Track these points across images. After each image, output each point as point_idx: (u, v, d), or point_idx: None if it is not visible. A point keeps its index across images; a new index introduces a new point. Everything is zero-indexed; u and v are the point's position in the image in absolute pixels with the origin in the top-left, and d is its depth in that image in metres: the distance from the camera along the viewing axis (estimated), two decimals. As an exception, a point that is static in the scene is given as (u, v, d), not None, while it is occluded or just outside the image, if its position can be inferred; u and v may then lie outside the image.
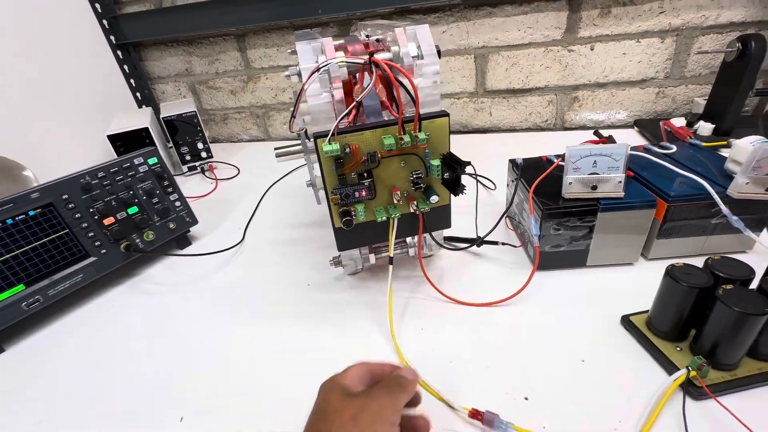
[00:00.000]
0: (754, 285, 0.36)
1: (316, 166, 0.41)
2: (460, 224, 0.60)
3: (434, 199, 0.43)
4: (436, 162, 0.41)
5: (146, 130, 0.86)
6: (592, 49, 0.88)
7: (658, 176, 0.51)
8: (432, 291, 0.50)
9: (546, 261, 0.52)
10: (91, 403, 0.44)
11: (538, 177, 0.52)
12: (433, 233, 0.50)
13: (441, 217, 0.48)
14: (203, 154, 0.98)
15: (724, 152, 0.54)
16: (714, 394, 0.34)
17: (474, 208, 0.58)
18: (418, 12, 0.92)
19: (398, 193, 0.43)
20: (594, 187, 0.47)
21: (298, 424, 0.28)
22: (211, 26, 1.03)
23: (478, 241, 0.56)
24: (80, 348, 0.51)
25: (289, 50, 0.46)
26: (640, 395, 0.36)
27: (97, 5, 1.03)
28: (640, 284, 0.46)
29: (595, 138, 0.59)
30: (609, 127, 0.96)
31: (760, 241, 0.47)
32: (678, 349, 0.38)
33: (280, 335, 0.49)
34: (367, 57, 0.37)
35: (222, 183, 0.93)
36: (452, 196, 0.42)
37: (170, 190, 0.65)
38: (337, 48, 0.48)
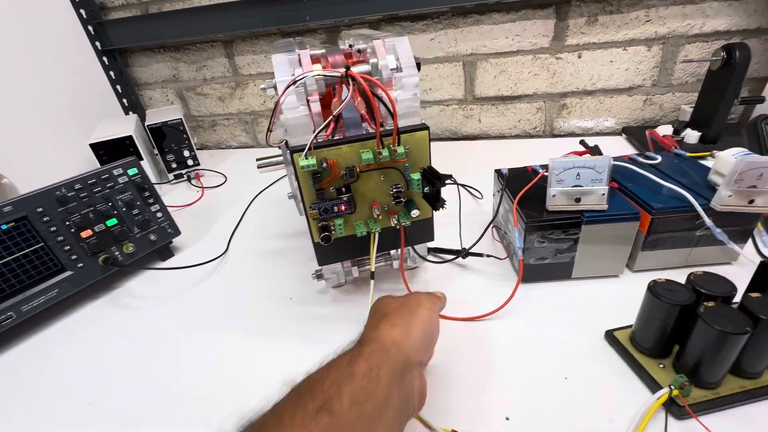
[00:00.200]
0: (738, 298, 0.36)
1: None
2: (447, 234, 0.60)
3: (415, 213, 0.42)
4: (416, 176, 0.41)
5: (130, 138, 0.84)
6: (579, 57, 0.88)
7: (643, 188, 0.50)
8: (415, 305, 0.49)
9: (531, 273, 0.51)
10: (66, 421, 0.42)
11: (523, 187, 0.51)
12: (417, 246, 0.50)
13: (423, 230, 0.48)
14: (190, 162, 0.97)
15: (709, 162, 0.54)
16: (696, 414, 0.33)
17: (464, 218, 0.58)
18: (406, 19, 0.92)
19: (378, 207, 0.42)
20: (578, 200, 0.47)
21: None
22: (198, 33, 1.02)
23: (463, 253, 0.55)
24: (54, 365, 0.50)
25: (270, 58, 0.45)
26: (622, 414, 0.35)
27: (82, 11, 1.02)
28: (625, 297, 0.45)
29: (582, 148, 0.58)
30: (597, 134, 0.96)
31: (743, 254, 0.47)
32: (661, 366, 0.38)
33: (258, 352, 0.48)
34: (343, 70, 0.37)
35: (208, 191, 0.92)
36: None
37: (151, 201, 0.63)
38: (317, 59, 0.47)
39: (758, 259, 0.51)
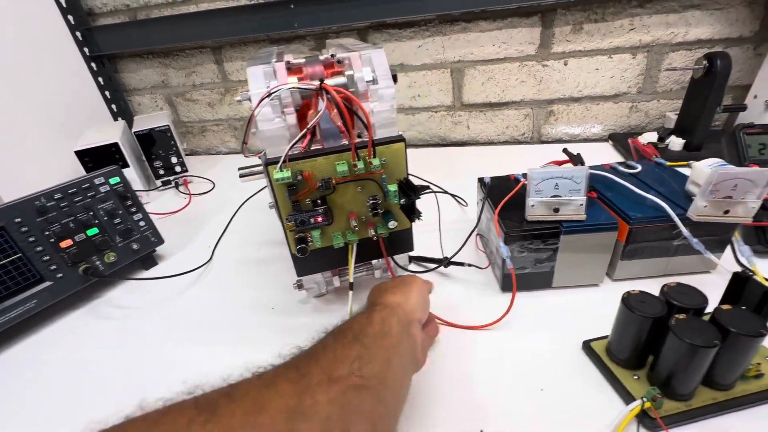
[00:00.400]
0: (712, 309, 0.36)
1: (275, 189, 0.40)
2: (432, 242, 0.60)
3: (392, 224, 0.42)
4: (393, 187, 0.41)
5: (116, 145, 0.84)
6: (565, 65, 0.89)
7: (622, 197, 0.51)
8: (396, 315, 0.49)
9: (511, 282, 0.51)
10: (36, 440, 0.42)
11: (505, 196, 0.51)
12: (397, 256, 0.50)
13: (403, 240, 0.48)
14: (177, 169, 0.96)
15: (688, 171, 0.54)
16: (668, 426, 0.33)
17: (445, 226, 0.58)
18: (394, 26, 0.92)
19: (356, 218, 0.42)
20: (556, 210, 0.47)
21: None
22: (186, 39, 1.02)
23: (445, 262, 0.55)
24: (32, 376, 0.49)
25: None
26: (597, 426, 0.35)
27: (70, 17, 1.01)
28: (604, 306, 0.45)
29: (564, 156, 0.59)
30: (585, 140, 0.97)
31: (721, 263, 0.47)
32: (635, 377, 0.38)
33: (235, 364, 0.47)
34: (318, 83, 0.37)
35: (196, 198, 0.92)
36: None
37: (134, 209, 0.63)
38: (300, 68, 0.47)
39: (736, 268, 0.52)
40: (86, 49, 1.05)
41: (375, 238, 0.43)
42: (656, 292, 0.38)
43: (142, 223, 0.64)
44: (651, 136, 0.84)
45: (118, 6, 1.03)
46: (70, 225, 0.56)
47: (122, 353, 0.51)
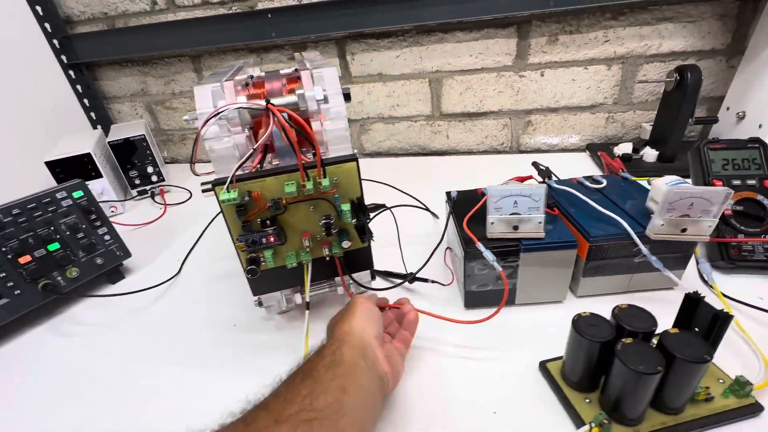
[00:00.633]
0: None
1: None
2: (406, 254, 0.59)
3: (346, 244, 0.42)
4: (346, 206, 0.40)
5: (88, 155, 0.83)
6: (542, 75, 0.89)
7: (583, 214, 0.50)
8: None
9: (474, 300, 0.51)
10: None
11: (471, 210, 0.51)
12: (358, 273, 0.49)
13: (361, 258, 0.47)
14: (154, 178, 0.95)
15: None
16: (614, 453, 0.33)
17: (419, 239, 0.57)
18: (372, 36, 0.92)
19: (308, 238, 0.41)
20: (516, 227, 0.47)
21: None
22: (165, 48, 1.01)
23: (409, 278, 0.55)
24: (-18, 399, 0.48)
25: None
26: (546, 452, 0.35)
27: (47, 25, 1.00)
28: (566, 324, 0.44)
29: (530, 171, 0.58)
30: (563, 150, 0.97)
31: (680, 282, 0.47)
32: (587, 400, 0.37)
33: (191, 384, 0.47)
34: (264, 102, 0.36)
35: (171, 208, 0.91)
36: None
37: (98, 223, 0.62)
38: (260, 83, 0.47)
39: (700, 284, 0.52)
40: (64, 57, 1.05)
41: (328, 258, 0.42)
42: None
43: (107, 237, 0.63)
44: (626, 147, 0.84)
45: (95, 14, 1.02)
46: (29, 241, 0.55)
47: (81, 372, 0.50)
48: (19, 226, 0.55)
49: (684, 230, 0.44)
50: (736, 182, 0.53)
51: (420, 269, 0.55)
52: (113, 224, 0.80)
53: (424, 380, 0.43)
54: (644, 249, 0.46)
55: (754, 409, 0.35)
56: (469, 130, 0.99)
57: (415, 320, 0.45)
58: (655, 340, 0.35)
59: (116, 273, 0.66)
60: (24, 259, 0.55)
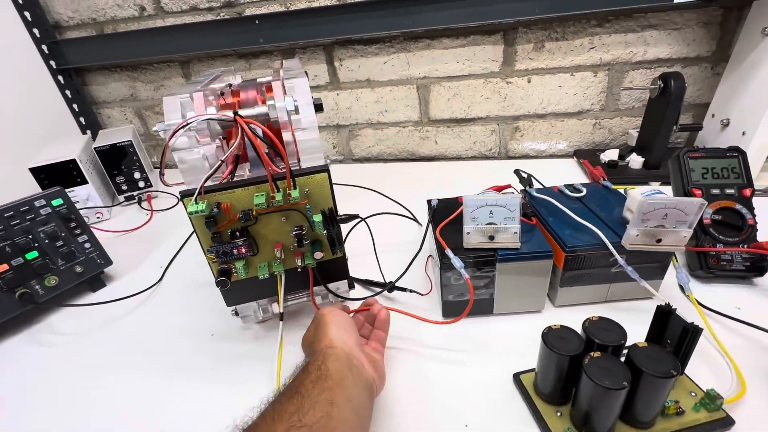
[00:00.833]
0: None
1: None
2: (390, 262, 0.58)
3: (318, 255, 0.41)
4: (318, 217, 0.40)
5: (73, 162, 0.82)
6: (529, 82, 0.89)
7: (561, 223, 0.50)
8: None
9: (451, 309, 0.51)
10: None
11: (451, 219, 0.51)
12: (334, 283, 0.49)
13: (337, 268, 0.47)
14: (141, 184, 0.95)
15: (633, 195, 0.54)
16: (582, 469, 0.33)
17: (404, 246, 0.56)
18: (359, 42, 0.92)
19: (281, 249, 0.41)
20: (491, 237, 0.46)
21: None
22: (154, 53, 1.01)
23: (389, 287, 0.54)
24: (-45, 410, 0.48)
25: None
26: (515, 466, 0.35)
27: (35, 30, 1.00)
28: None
29: (507, 181, 0.58)
30: (551, 156, 0.97)
31: (656, 293, 0.46)
32: (559, 414, 0.37)
33: (166, 395, 0.46)
34: (231, 114, 0.36)
35: (158, 214, 0.91)
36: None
37: (78, 231, 0.62)
38: (236, 92, 0.47)
39: (679, 294, 0.51)
40: (53, 63, 1.05)
41: (300, 269, 0.42)
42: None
43: (87, 245, 0.63)
44: (613, 154, 0.84)
45: (84, 19, 1.02)
46: (7, 249, 0.55)
47: (56, 382, 0.50)
48: (-4, 234, 0.54)
49: (659, 240, 0.44)
50: (715, 191, 0.53)
51: (399, 278, 0.55)
52: (98, 231, 0.81)
53: (399, 392, 0.43)
54: (620, 259, 0.45)
55: (725, 423, 0.35)
56: (457, 136, 0.99)
57: (387, 318, 0.45)
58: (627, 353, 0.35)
59: (97, 281, 0.65)
60: (1, 268, 0.54)
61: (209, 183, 0.38)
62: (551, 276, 0.49)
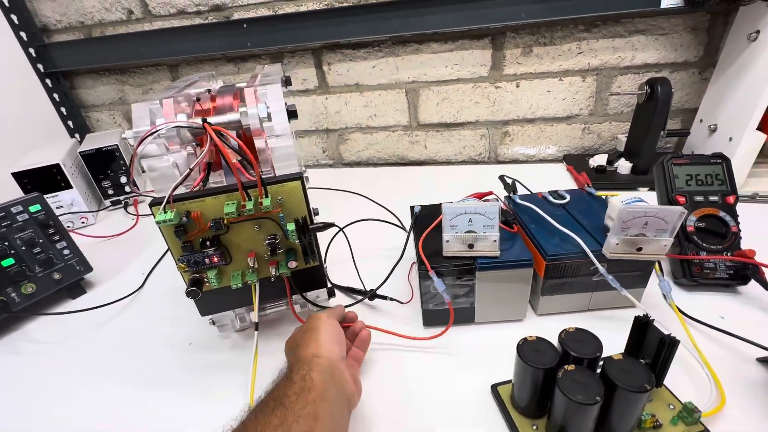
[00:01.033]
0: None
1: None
2: (376, 268, 0.57)
3: (292, 264, 0.41)
4: (291, 226, 0.39)
5: (57, 166, 0.82)
6: (517, 86, 0.89)
7: (543, 231, 0.50)
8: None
9: (432, 318, 0.50)
10: None
11: (429, 227, 0.50)
12: (310, 293, 0.48)
13: (315, 276, 0.46)
14: (127, 188, 0.94)
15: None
16: (556, 485, 0.32)
17: (391, 252, 0.56)
18: (348, 47, 0.92)
19: (254, 258, 0.40)
20: (471, 246, 0.46)
21: None
22: (142, 57, 1.00)
23: (370, 294, 0.54)
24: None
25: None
26: (490, 481, 0.34)
27: (23, 34, 1.00)
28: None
29: (487, 189, 0.57)
30: (541, 161, 0.97)
31: (638, 303, 0.46)
32: (534, 427, 0.36)
33: (141, 405, 0.45)
34: (200, 121, 0.35)
35: (144, 219, 0.90)
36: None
37: (57, 237, 0.61)
38: (214, 98, 0.46)
39: (662, 302, 0.51)
40: (40, 66, 1.04)
41: (273, 279, 0.41)
42: (582, 326, 0.36)
43: (66, 252, 0.62)
44: (601, 159, 0.84)
45: (72, 23, 1.02)
46: (-19, 256, 0.54)
47: (30, 392, 0.49)
48: (-30, 241, 0.53)
49: (640, 249, 0.43)
50: (699, 198, 0.53)
51: (380, 286, 0.54)
52: (81, 236, 0.80)
53: (374, 401, 0.42)
54: (601, 268, 0.45)
55: (703, 437, 0.35)
56: (446, 141, 0.99)
57: (368, 339, 0.45)
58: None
59: (77, 287, 0.64)
60: (-25, 276, 0.53)
61: (180, 191, 0.38)
62: (533, 284, 0.48)
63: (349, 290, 0.57)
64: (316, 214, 0.65)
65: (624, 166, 0.80)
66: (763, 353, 0.42)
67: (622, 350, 0.38)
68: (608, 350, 0.37)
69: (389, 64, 0.92)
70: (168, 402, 0.46)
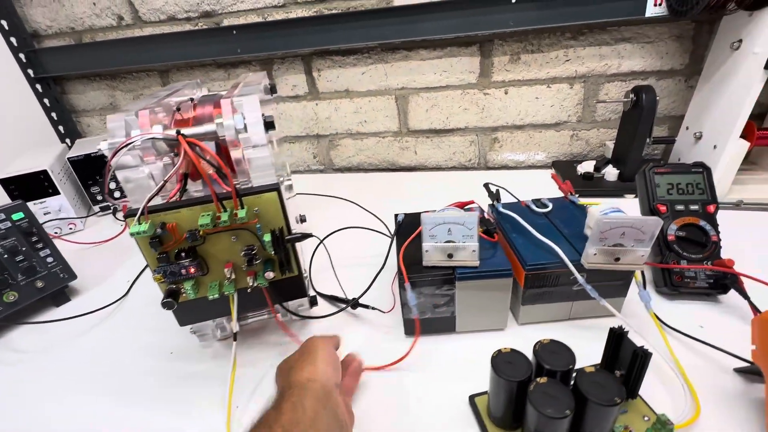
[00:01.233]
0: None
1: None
2: (361, 275, 0.57)
3: (269, 275, 0.41)
4: (268, 237, 0.39)
5: (44, 172, 0.81)
6: (506, 93, 0.89)
7: (524, 240, 0.50)
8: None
9: (413, 327, 0.50)
10: None
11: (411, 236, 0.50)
12: (292, 302, 0.48)
13: (294, 286, 0.46)
14: (117, 194, 0.94)
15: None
16: (527, 499, 0.32)
17: (377, 260, 0.56)
18: (337, 53, 0.92)
19: (231, 269, 0.40)
20: (450, 255, 0.46)
21: None
22: (133, 62, 1.00)
23: (352, 303, 0.54)
24: None
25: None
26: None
27: (13, 39, 1.00)
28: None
29: (468, 198, 0.57)
30: (530, 167, 0.97)
31: (616, 313, 0.46)
32: (509, 439, 0.36)
33: (120, 417, 0.45)
34: (174, 132, 0.35)
35: (132, 225, 0.89)
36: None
37: (40, 245, 0.61)
38: (195, 107, 0.46)
39: (643, 311, 0.51)
40: (31, 71, 1.04)
41: (249, 290, 0.41)
42: (562, 337, 0.36)
43: (50, 260, 0.61)
44: (588, 166, 0.84)
45: (62, 28, 1.02)
46: (-38, 265, 0.54)
47: (13, 402, 0.49)
48: (-49, 250, 0.53)
49: (617, 259, 0.44)
50: (680, 207, 0.53)
51: (362, 294, 0.54)
52: (68, 243, 0.80)
53: (354, 412, 0.42)
54: (579, 278, 0.45)
55: (676, 450, 0.35)
56: (437, 147, 0.99)
57: (360, 371, 0.44)
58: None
59: (61, 295, 0.64)
60: (-45, 284, 0.53)
61: (157, 202, 0.38)
62: (514, 293, 0.48)
63: (332, 298, 0.57)
64: (304, 220, 0.65)
65: (611, 173, 0.80)
66: (741, 364, 0.42)
67: (600, 360, 0.38)
68: (588, 360, 0.37)
69: (378, 71, 0.92)
70: (145, 413, 0.45)
